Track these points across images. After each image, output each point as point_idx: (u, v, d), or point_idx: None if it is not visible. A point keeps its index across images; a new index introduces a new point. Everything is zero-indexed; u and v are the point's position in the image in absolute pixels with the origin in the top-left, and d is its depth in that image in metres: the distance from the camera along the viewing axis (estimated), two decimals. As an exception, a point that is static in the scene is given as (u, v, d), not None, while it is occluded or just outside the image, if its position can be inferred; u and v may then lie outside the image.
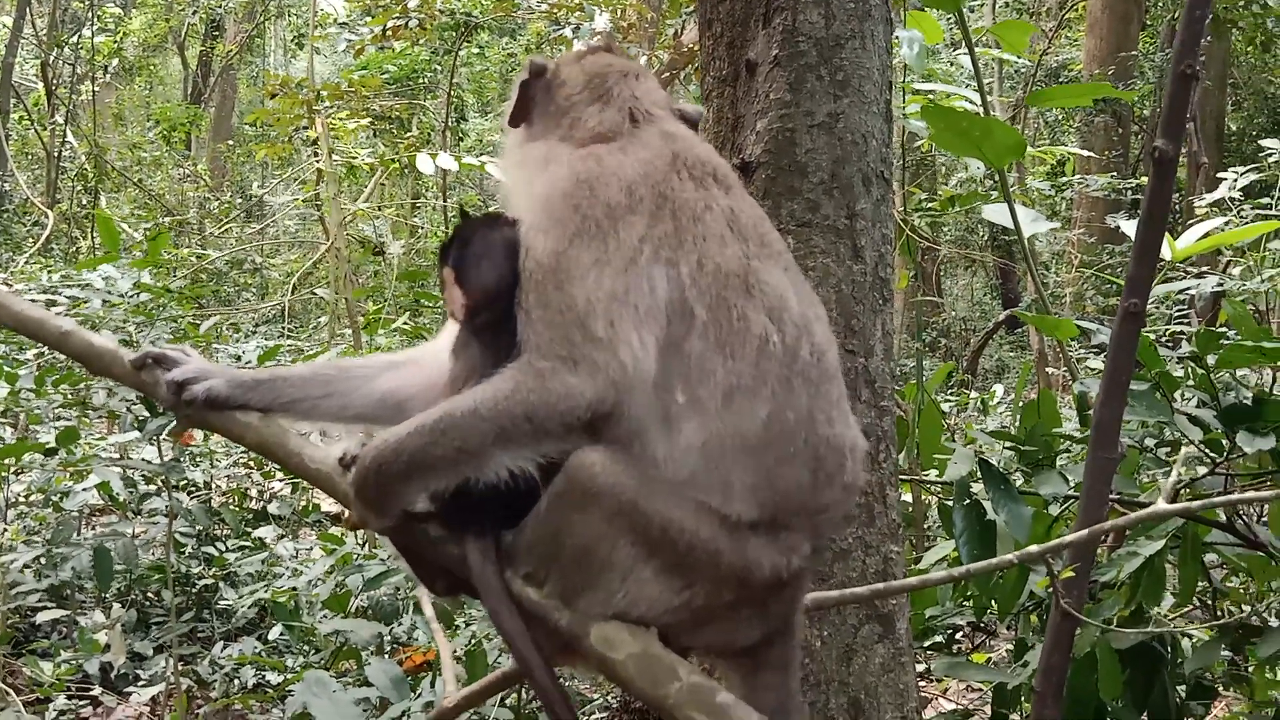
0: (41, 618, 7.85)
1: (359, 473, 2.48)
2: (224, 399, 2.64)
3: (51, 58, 22.86)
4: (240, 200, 23.62)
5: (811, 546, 2.62)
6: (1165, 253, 5.32)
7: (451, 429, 2.42)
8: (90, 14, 23.67)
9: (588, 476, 2.44)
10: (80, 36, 23.05)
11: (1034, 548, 3.17)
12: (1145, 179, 3.68)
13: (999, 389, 13.05)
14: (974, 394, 13.44)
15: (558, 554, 2.48)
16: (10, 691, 6.88)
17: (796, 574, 2.60)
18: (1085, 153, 14.95)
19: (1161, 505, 3.23)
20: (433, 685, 5.40)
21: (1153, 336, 6.09)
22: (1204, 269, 9.72)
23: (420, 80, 20.32)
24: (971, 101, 5.94)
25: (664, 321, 2.50)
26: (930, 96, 6.75)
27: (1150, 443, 5.31)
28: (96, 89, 25.48)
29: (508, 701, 5.42)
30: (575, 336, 2.42)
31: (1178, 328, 9.10)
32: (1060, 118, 23.06)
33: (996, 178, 5.28)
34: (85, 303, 6.99)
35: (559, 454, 2.46)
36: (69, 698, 7.24)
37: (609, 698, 6.21)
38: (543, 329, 2.45)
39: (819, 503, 2.58)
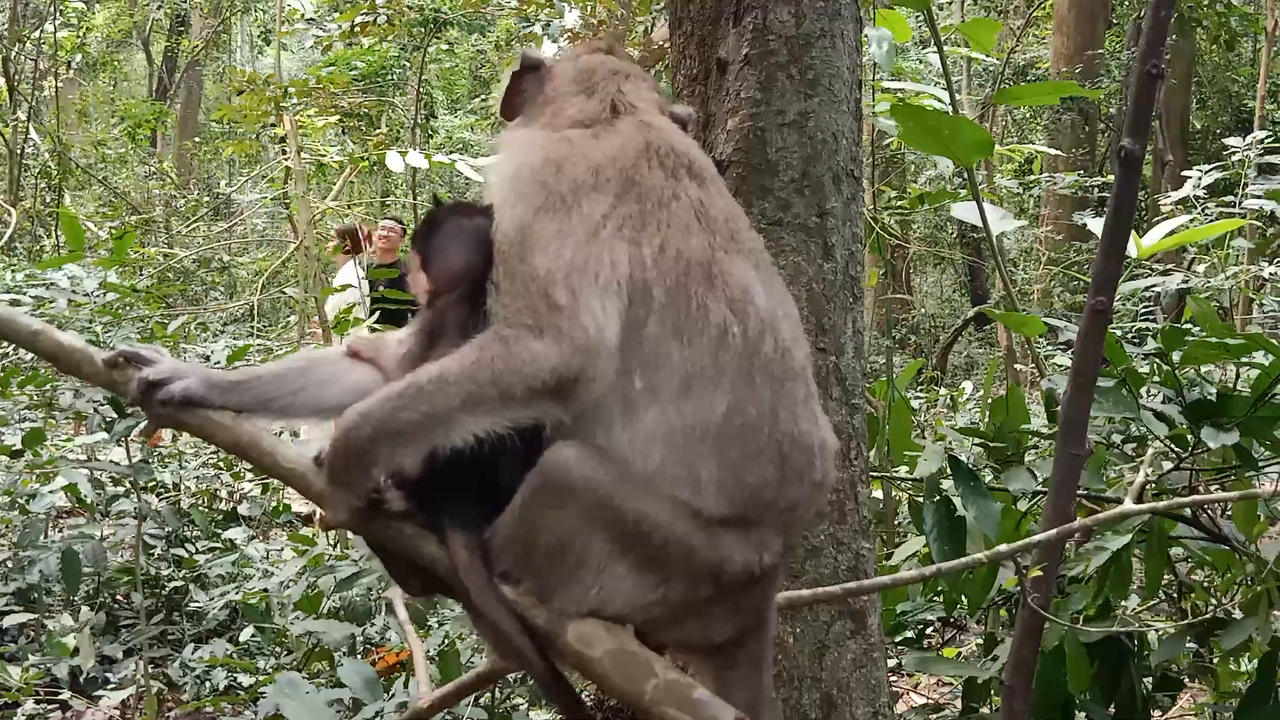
0: (8, 621, 7.79)
1: (331, 447, 2.48)
2: (199, 399, 2.62)
3: (13, 53, 22.67)
4: (207, 198, 23.50)
5: (783, 543, 2.64)
6: (1131, 250, 5.35)
7: (419, 395, 2.43)
8: (53, 8, 23.49)
9: (561, 473, 2.45)
10: (43, 31, 22.88)
11: (1004, 547, 3.20)
12: (1112, 176, 3.71)
13: (968, 386, 13.10)
14: (943, 391, 13.49)
15: (532, 552, 2.49)
16: (-22, 695, 6.84)
17: (769, 570, 2.61)
18: (1052, 151, 15.03)
19: (1129, 505, 3.26)
20: (406, 686, 5.39)
21: (1119, 333, 6.13)
22: (1169, 266, 9.80)
23: (389, 77, 20.31)
24: (940, 100, 5.96)
25: (625, 298, 2.52)
26: (899, 95, 6.78)
27: (1117, 439, 5.35)
28: (60, 85, 25.28)
29: (481, 701, 5.42)
30: (539, 305, 2.44)
31: (1144, 324, 9.17)
32: (1027, 116, 23.22)
33: (965, 176, 5.31)
34: (51, 303, 6.94)
35: (528, 421, 2.47)
36: (37, 702, 7.18)
37: (586, 695, 6.21)
38: (509, 299, 2.48)
39: (788, 499, 2.59)
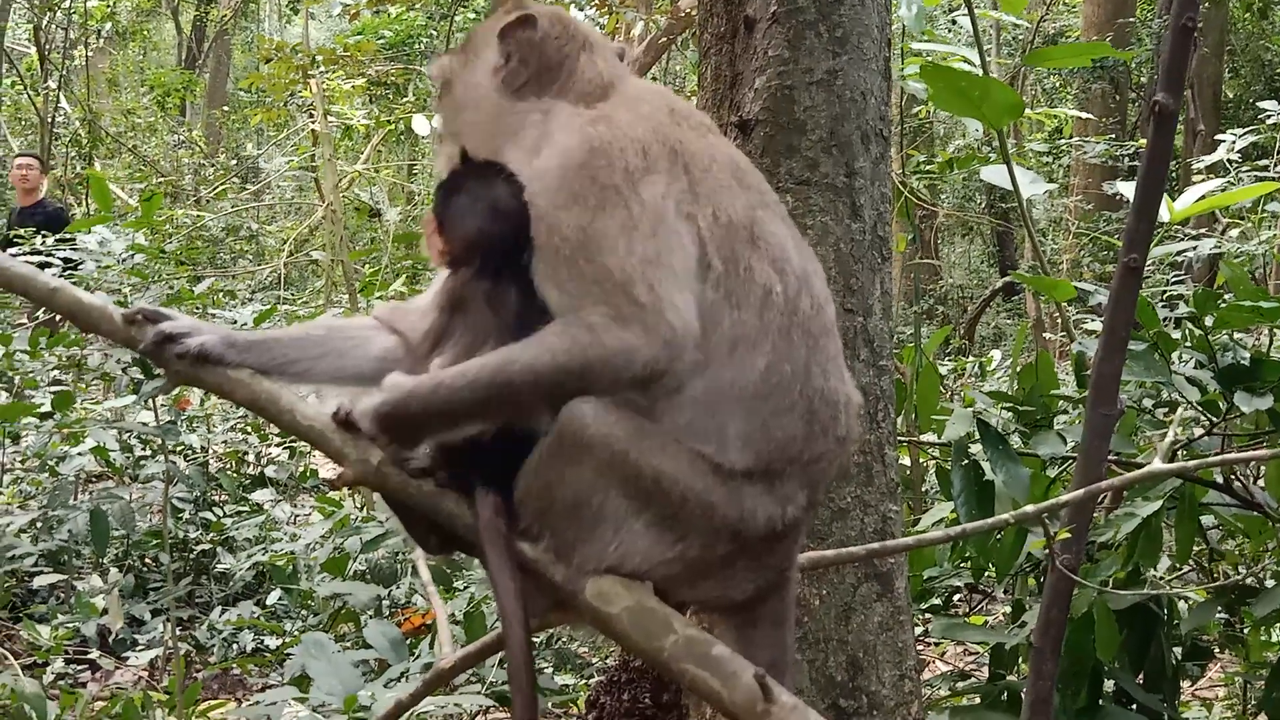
0: (38, 582, 7.85)
1: (392, 401, 2.47)
2: (216, 356, 2.59)
3: (44, 22, 22.74)
4: (235, 163, 23.53)
5: (806, 498, 2.61)
6: (1163, 214, 5.30)
7: (507, 384, 2.42)
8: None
9: (579, 428, 2.42)
10: (73, 1, 22.91)
11: (1030, 507, 3.17)
12: (1143, 141, 3.66)
13: (996, 354, 13.03)
14: (971, 359, 13.42)
15: (550, 508, 2.47)
16: (8, 655, 6.89)
17: (791, 526, 2.59)
18: (1083, 114, 14.89)
19: (1158, 465, 3.22)
20: (431, 647, 5.41)
21: (1150, 297, 6.07)
22: (1201, 231, 9.71)
23: (416, 45, 20.26)
24: (970, 62, 5.90)
25: (696, 280, 2.49)
26: (928, 57, 6.71)
27: (1148, 403, 5.31)
28: (90, 54, 25.34)
29: (506, 663, 5.43)
30: (619, 301, 2.41)
31: (1174, 289, 9.09)
32: (1057, 85, 23.01)
33: (994, 142, 5.26)
34: (79, 264, 6.96)
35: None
36: (67, 661, 7.25)
37: (606, 660, 6.22)
38: (583, 299, 2.43)
39: (813, 453, 2.57)
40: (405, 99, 17.04)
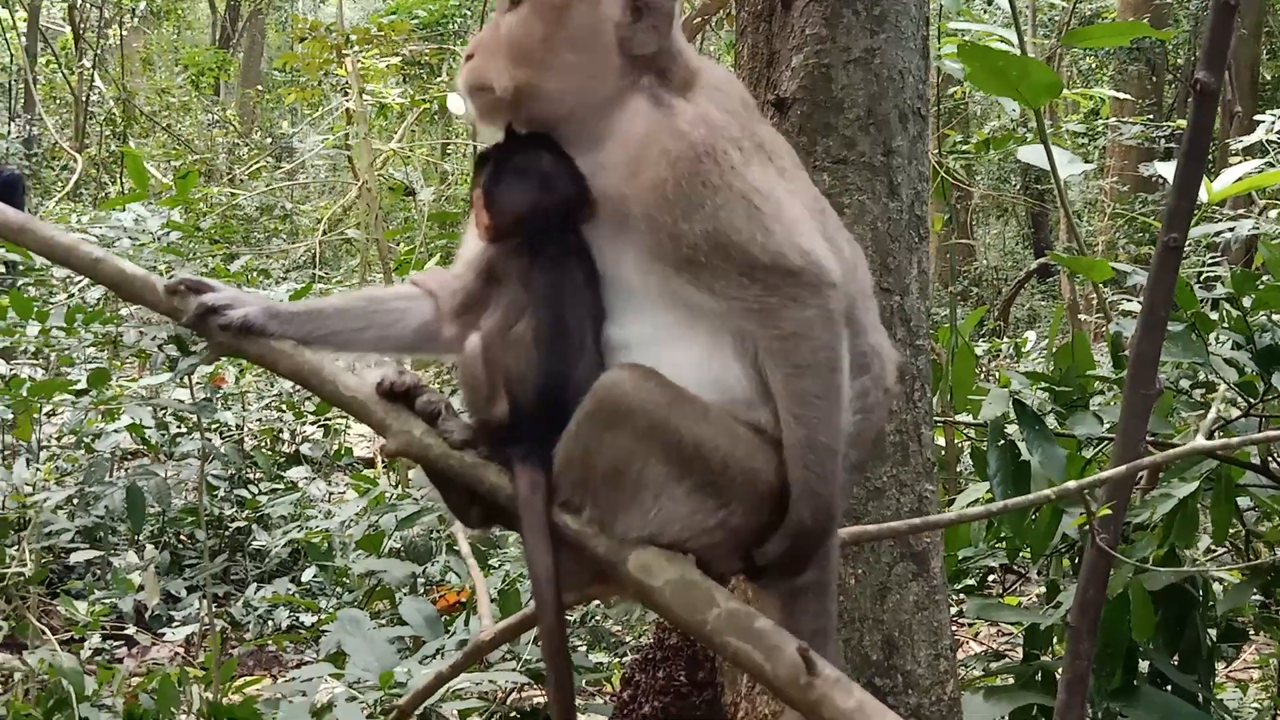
0: (75, 558, 7.92)
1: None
2: (259, 327, 2.58)
3: (79, 1, 22.84)
4: (269, 143, 23.58)
5: (856, 457, 2.62)
6: (1202, 195, 5.26)
7: (834, 441, 2.46)
8: (118, -42, 23.63)
9: (618, 395, 2.41)
10: (108, -19, 23.02)
11: (1072, 483, 3.14)
12: (1180, 122, 3.62)
13: (1031, 335, 12.98)
14: (1006, 341, 13.37)
15: (589, 476, 2.45)
16: (46, 631, 6.96)
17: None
18: (1120, 95, 14.76)
19: (1200, 441, 3.20)
20: (466, 623, 5.43)
21: (1187, 278, 6.03)
22: (1240, 212, 9.62)
23: (450, 25, 20.25)
24: (1008, 42, 5.86)
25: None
26: (966, 36, 6.68)
27: (1185, 384, 5.28)
28: (124, 33, 25.46)
29: (539, 641, 5.45)
30: (777, 282, 2.41)
31: (1212, 270, 9.02)
32: (1094, 66, 22.83)
33: (1030, 123, 5.23)
34: (115, 242, 7.00)
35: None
36: (104, 637, 7.31)
37: (640, 638, 6.24)
38: (748, 296, 2.42)
39: (865, 403, 2.59)
40: (439, 79, 17.05)
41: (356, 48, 13.62)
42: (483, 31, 2.64)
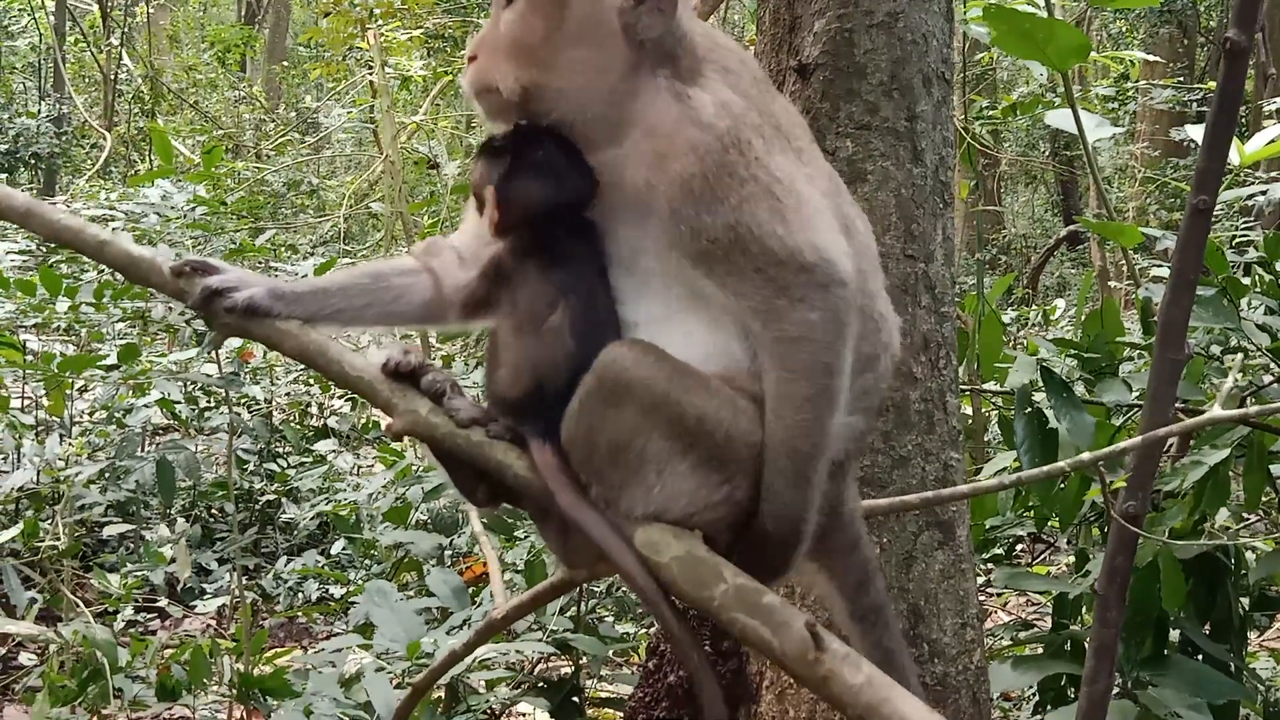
0: (108, 532, 8.00)
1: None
2: (264, 308, 2.57)
3: (106, -20, 22.90)
4: (294, 118, 23.62)
5: (864, 423, 2.61)
6: (1233, 158, 5.20)
7: (823, 439, 2.45)
8: (143, -65, 23.66)
9: (618, 371, 2.40)
10: (134, -42, 23.06)
11: (1085, 455, 3.12)
12: (1212, 84, 3.57)
13: (1060, 303, 12.90)
14: (1034, 309, 13.30)
15: (593, 452, 2.44)
16: (80, 603, 7.02)
17: (839, 463, 2.57)
18: (1150, 57, 14.62)
19: (1217, 410, 3.15)
20: (492, 595, 5.44)
21: (1219, 243, 5.98)
22: (1272, 175, 9.53)
23: (473, -2, 20.19)
24: (1034, 4, 5.80)
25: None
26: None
27: (1216, 350, 5.23)
28: (151, 11, 25.50)
29: (569, 613, 5.46)
30: (791, 280, 2.39)
31: (1244, 235, 8.94)
32: (1123, 29, 22.62)
33: (1058, 88, 5.18)
34: (143, 217, 7.02)
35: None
36: (136, 609, 7.37)
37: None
38: (757, 295, 2.41)
39: (876, 371, 2.59)
40: (462, 51, 17.01)
41: (380, 21, 13.61)
42: (483, 30, 2.58)
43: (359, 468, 9.11)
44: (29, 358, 7.91)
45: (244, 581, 7.40)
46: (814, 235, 2.42)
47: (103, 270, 8.74)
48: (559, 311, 2.49)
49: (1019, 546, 7.38)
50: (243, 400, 9.31)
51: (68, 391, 8.35)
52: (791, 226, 2.40)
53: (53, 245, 9.70)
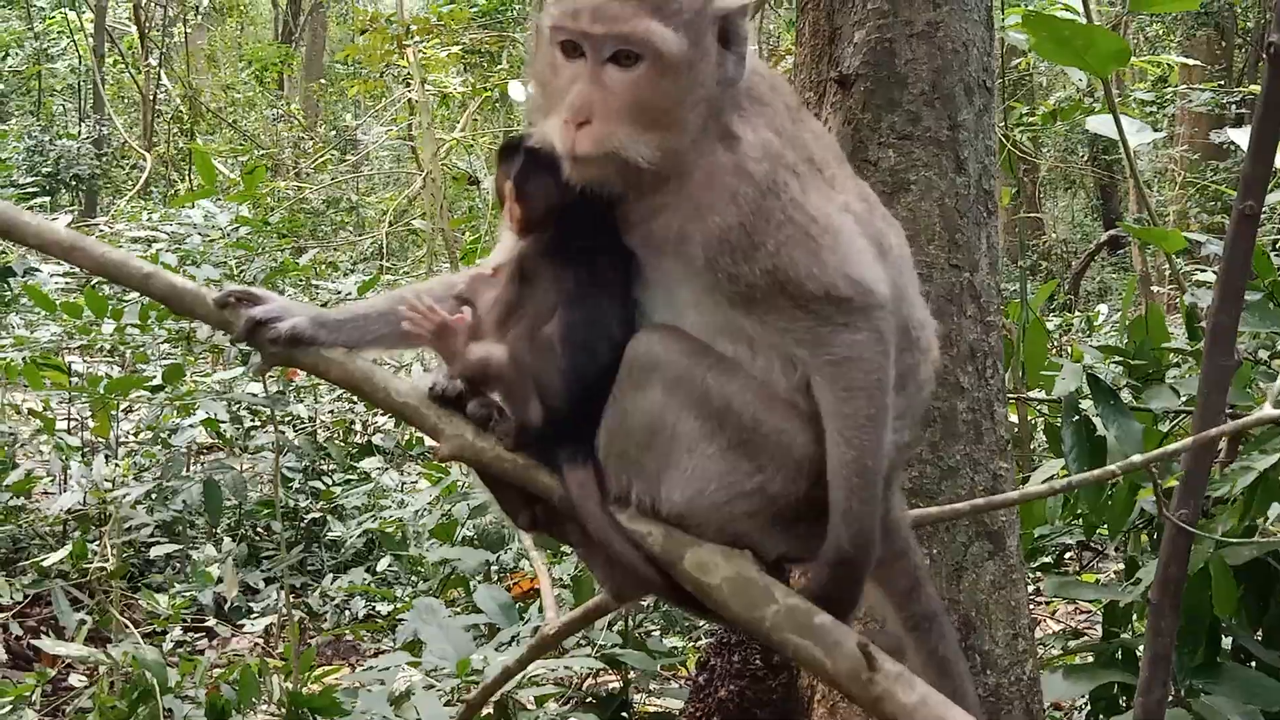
0: (155, 552, 8.04)
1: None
2: (309, 337, 2.62)
3: (144, 1, 23.09)
4: (333, 136, 23.75)
5: (909, 434, 2.62)
6: (1277, 162, 5.16)
7: (876, 476, 2.46)
8: (180, -43, 23.87)
9: (646, 355, 2.45)
10: (171, -20, 23.26)
11: (1138, 457, 3.10)
12: (1252, 88, 3.54)
13: (1103, 309, 12.81)
14: (1076, 315, 13.21)
15: (628, 447, 2.48)
16: (129, 624, 7.06)
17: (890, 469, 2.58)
18: (1190, 61, 14.52)
19: (1268, 410, 3.13)
20: (540, 610, 5.45)
21: (1264, 247, 5.93)
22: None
23: (509, 12, 20.25)
24: (1073, 10, 5.77)
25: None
26: (1030, 6, 6.58)
27: (1263, 354, 5.19)
28: (188, 31, 25.73)
29: (616, 627, 5.46)
30: (830, 313, 2.43)
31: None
32: (1161, 32, 22.47)
33: (1097, 93, 5.16)
34: (185, 239, 7.07)
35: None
36: (185, 629, 7.41)
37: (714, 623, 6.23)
38: (799, 326, 2.44)
39: (905, 364, 2.57)
40: (500, 66, 17.08)
41: (417, 38, 13.68)
42: (582, 90, 2.42)
43: (404, 484, 9.13)
44: (75, 380, 7.99)
45: (291, 600, 7.42)
46: (850, 268, 2.45)
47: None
48: (553, 321, 2.51)
49: (1067, 554, 7.33)
50: (287, 418, 9.36)
51: (113, 412, 8.41)
52: (828, 265, 2.43)
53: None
